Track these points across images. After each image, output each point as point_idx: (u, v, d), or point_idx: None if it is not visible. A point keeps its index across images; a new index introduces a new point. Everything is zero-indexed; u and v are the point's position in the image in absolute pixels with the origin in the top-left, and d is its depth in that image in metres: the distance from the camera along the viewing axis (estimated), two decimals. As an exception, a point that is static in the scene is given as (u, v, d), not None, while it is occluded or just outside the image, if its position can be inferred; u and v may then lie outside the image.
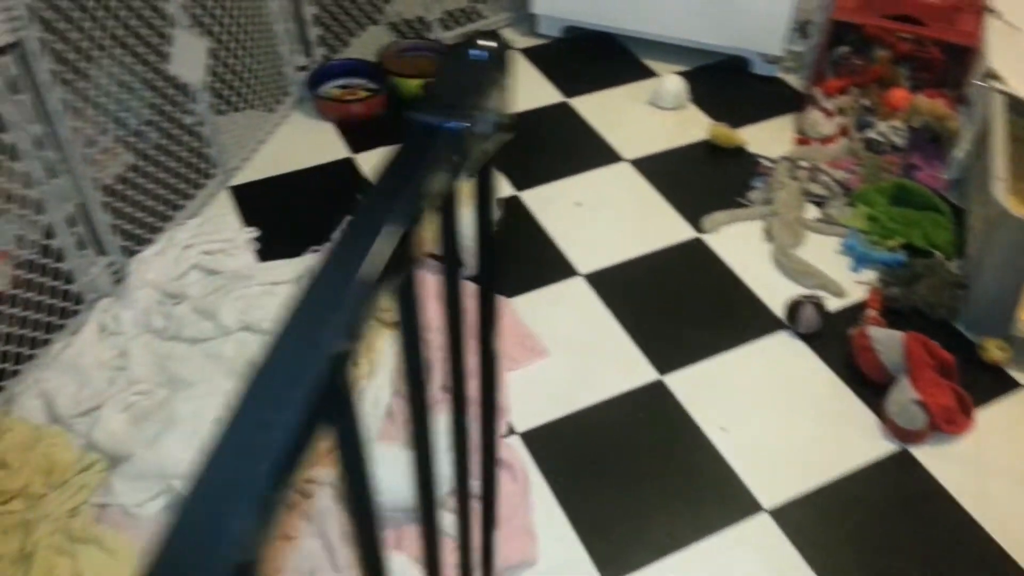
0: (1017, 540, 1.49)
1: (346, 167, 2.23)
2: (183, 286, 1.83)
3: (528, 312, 1.86)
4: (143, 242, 1.90)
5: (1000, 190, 1.70)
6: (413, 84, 2.39)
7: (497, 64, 0.55)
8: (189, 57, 1.85)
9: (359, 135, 2.32)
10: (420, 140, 0.51)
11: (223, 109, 2.09)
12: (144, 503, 1.47)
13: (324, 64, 2.40)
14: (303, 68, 2.36)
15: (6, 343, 1.59)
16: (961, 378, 1.70)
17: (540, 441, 1.62)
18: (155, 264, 1.86)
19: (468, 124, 0.53)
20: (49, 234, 1.63)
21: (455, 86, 0.53)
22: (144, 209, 1.88)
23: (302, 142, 2.29)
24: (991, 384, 1.75)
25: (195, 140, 2.00)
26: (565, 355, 1.77)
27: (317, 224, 2.02)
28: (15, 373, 1.63)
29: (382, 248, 0.44)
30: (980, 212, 1.87)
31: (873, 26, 2.25)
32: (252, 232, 2.00)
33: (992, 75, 1.87)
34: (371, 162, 2.24)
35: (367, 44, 2.53)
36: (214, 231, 1.98)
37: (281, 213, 2.08)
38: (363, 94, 2.38)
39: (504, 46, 0.57)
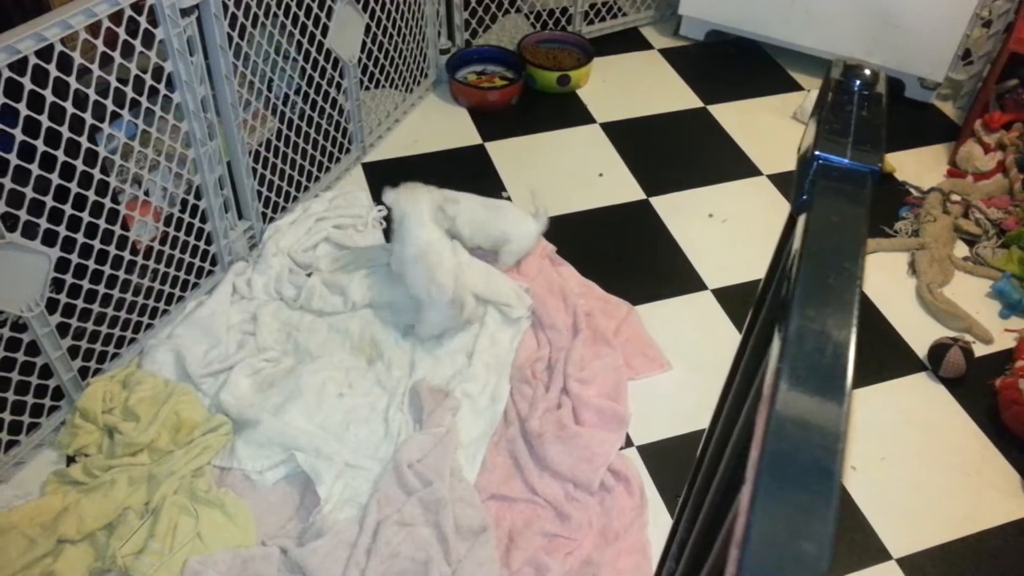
0: None
1: (477, 153, 2.22)
2: (314, 257, 1.86)
3: (651, 322, 1.80)
4: (279, 210, 1.94)
5: None
6: (550, 76, 2.35)
7: (878, 98, 0.51)
8: (346, 32, 1.87)
9: (492, 122, 2.30)
10: (842, 186, 0.46)
11: (366, 85, 2.11)
12: (265, 471, 1.49)
13: (465, 49, 2.39)
14: (445, 51, 2.36)
15: (145, 297, 1.64)
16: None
17: (658, 456, 1.57)
18: (289, 233, 1.89)
19: (878, 166, 0.48)
20: (197, 194, 1.67)
21: (857, 123, 0.49)
22: (284, 177, 1.92)
23: (436, 125, 2.29)
24: None
25: (337, 113, 2.02)
26: (687, 370, 1.72)
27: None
28: (149, 327, 1.68)
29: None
30: None
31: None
32: (382, 210, 2.01)
33: None
34: (502, 150, 2.22)
35: (507, 32, 2.51)
36: (346, 206, 2.00)
37: (410, 194, 2.08)
38: (499, 82, 2.36)
39: (878, 75, 0.52)
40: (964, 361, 1.71)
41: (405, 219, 1.66)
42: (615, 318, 1.80)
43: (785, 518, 0.32)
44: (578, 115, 2.35)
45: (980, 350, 1.78)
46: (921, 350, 1.77)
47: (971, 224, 2.03)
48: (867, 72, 0.53)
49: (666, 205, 2.09)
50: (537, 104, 2.37)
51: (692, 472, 0.75)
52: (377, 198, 2.06)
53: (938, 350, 1.74)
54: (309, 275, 1.81)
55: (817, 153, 0.47)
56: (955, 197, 2.08)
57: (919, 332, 1.81)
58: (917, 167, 2.21)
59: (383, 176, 2.13)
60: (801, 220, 0.47)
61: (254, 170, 1.80)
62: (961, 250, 2.00)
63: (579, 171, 2.18)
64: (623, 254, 1.96)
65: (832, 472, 0.34)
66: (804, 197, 0.47)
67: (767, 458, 0.33)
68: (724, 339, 1.78)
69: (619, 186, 2.14)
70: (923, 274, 1.92)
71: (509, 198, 2.06)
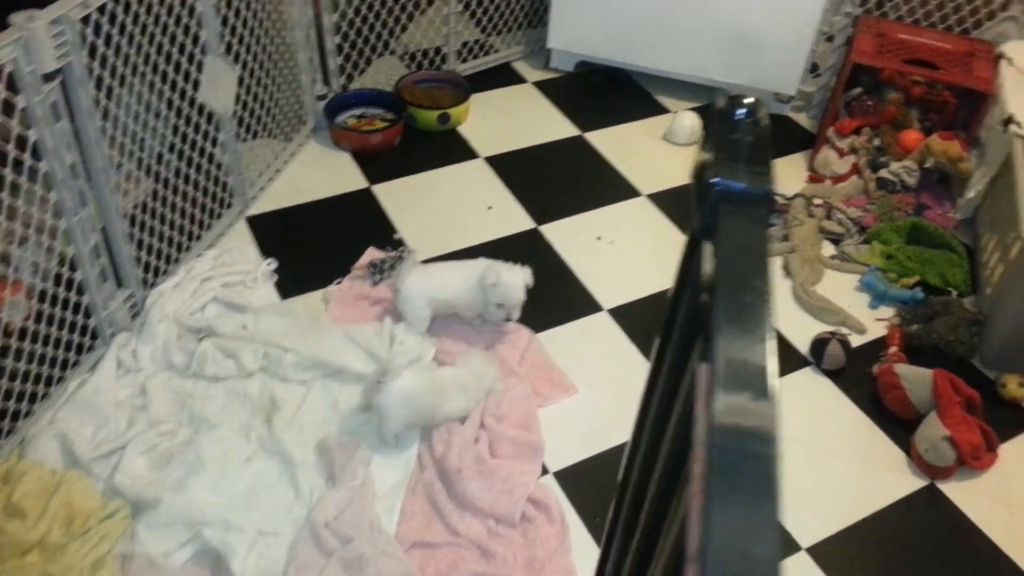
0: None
1: (364, 197, 2.21)
2: (203, 320, 1.78)
3: (554, 348, 1.84)
4: (161, 274, 1.85)
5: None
6: (430, 115, 2.38)
7: (761, 123, 0.54)
8: (219, 85, 1.82)
9: (376, 165, 2.29)
10: (743, 209, 0.49)
11: (243, 137, 2.06)
12: (171, 552, 1.41)
13: (342, 93, 2.38)
14: (322, 97, 2.34)
15: (20, 381, 1.52)
16: (984, 414, 1.73)
17: (574, 480, 1.59)
18: (174, 297, 1.81)
19: (771, 187, 0.51)
20: (71, 265, 1.57)
21: (746, 148, 0.52)
22: (163, 239, 1.83)
23: (319, 172, 2.26)
24: (1011, 419, 1.78)
25: (215, 168, 1.96)
26: (594, 391, 1.76)
27: (336, 255, 1.99)
28: (29, 413, 1.56)
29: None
30: (999, 253, 1.91)
31: (890, 70, 2.31)
32: (271, 264, 1.96)
33: (1012, 121, 1.92)
34: (390, 192, 2.21)
35: (382, 74, 2.52)
36: (233, 263, 1.93)
37: (299, 244, 2.04)
38: (380, 124, 2.36)
39: (759, 104, 0.56)
40: (843, 353, 1.84)
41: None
42: (518, 348, 1.82)
43: (736, 527, 0.34)
44: (462, 151, 2.39)
45: (856, 340, 1.92)
46: (803, 346, 1.89)
47: (834, 224, 2.20)
48: (749, 101, 0.58)
49: (556, 232, 2.15)
50: (420, 143, 2.39)
51: (618, 492, 0.78)
52: (264, 251, 2.00)
53: (818, 345, 1.86)
54: (201, 340, 1.73)
55: (716, 180, 0.50)
56: (817, 201, 2.25)
57: (799, 330, 1.93)
58: (780, 176, 2.37)
59: (269, 228, 2.08)
60: (708, 244, 0.50)
61: (131, 235, 1.71)
62: (828, 249, 2.16)
63: (468, 206, 2.20)
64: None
65: (773, 477, 0.36)
66: (707, 221, 0.51)
67: (713, 472, 0.35)
68: (625, 357, 1.84)
69: (509, 217, 2.18)
70: (796, 275, 2.06)
71: (401, 240, 2.06)
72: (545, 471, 1.60)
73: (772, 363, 0.41)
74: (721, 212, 0.49)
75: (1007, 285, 1.81)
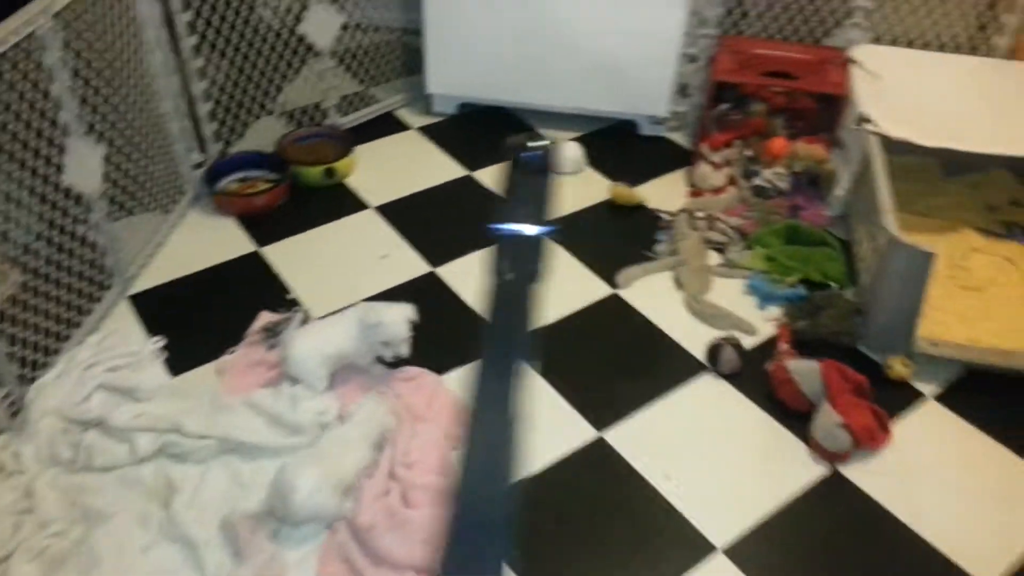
0: (946, 540, 1.58)
1: (253, 261, 2.17)
2: (88, 411, 1.70)
3: (464, 387, 1.84)
4: (41, 367, 1.77)
5: (890, 221, 1.84)
6: (315, 171, 2.37)
7: (549, 163, 0.56)
8: (85, 166, 1.77)
9: (264, 227, 2.27)
10: (516, 250, 0.50)
11: (117, 215, 2.00)
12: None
13: (220, 159, 2.35)
14: (199, 165, 2.31)
15: None
16: (873, 396, 1.81)
17: (492, 518, 1.59)
18: (56, 390, 1.73)
19: (553, 227, 0.53)
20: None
21: (525, 191, 0.53)
22: (39, 331, 1.76)
23: (203, 241, 2.22)
24: (900, 398, 1.87)
25: (89, 250, 1.90)
26: (504, 426, 1.76)
27: (227, 324, 1.95)
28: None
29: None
30: (869, 243, 2.02)
31: (751, 84, 2.43)
32: (158, 342, 1.90)
33: (865, 119, 2.05)
34: (280, 253, 2.19)
35: (262, 135, 2.50)
36: (117, 346, 1.86)
37: (187, 317, 1.99)
38: (264, 186, 2.34)
39: (551, 143, 0.58)
40: (737, 356, 1.90)
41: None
42: (425, 392, 1.81)
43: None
44: (351, 204, 2.39)
45: (750, 342, 1.99)
46: (701, 354, 1.95)
47: (717, 234, 2.28)
48: (540, 144, 0.60)
49: (453, 272, 2.16)
50: (308, 201, 2.38)
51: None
52: (150, 329, 1.94)
53: (714, 350, 1.92)
54: (87, 430, 1.66)
55: (497, 226, 0.52)
56: (700, 214, 2.33)
57: (695, 338, 1.99)
58: (663, 194, 2.45)
59: (154, 305, 2.02)
60: (492, 284, 0.51)
61: (1, 331, 1.64)
62: (715, 258, 2.24)
63: (362, 257, 2.20)
64: (421, 326, 1.98)
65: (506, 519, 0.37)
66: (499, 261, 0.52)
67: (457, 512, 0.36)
68: (532, 387, 1.85)
69: (404, 264, 2.18)
70: (687, 286, 2.12)
71: (294, 300, 2.03)
72: (461, 514, 1.59)
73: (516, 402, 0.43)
74: (501, 252, 0.51)
75: (879, 272, 1.92)
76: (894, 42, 2.51)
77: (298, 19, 2.40)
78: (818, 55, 2.46)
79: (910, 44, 2.52)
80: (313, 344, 1.73)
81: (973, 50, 2.50)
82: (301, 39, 2.43)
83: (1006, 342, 1.94)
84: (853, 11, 2.49)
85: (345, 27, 2.54)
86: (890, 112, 2.13)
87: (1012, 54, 2.44)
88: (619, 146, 2.67)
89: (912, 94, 2.24)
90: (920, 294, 1.81)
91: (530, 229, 0.52)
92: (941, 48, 2.52)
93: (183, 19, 2.11)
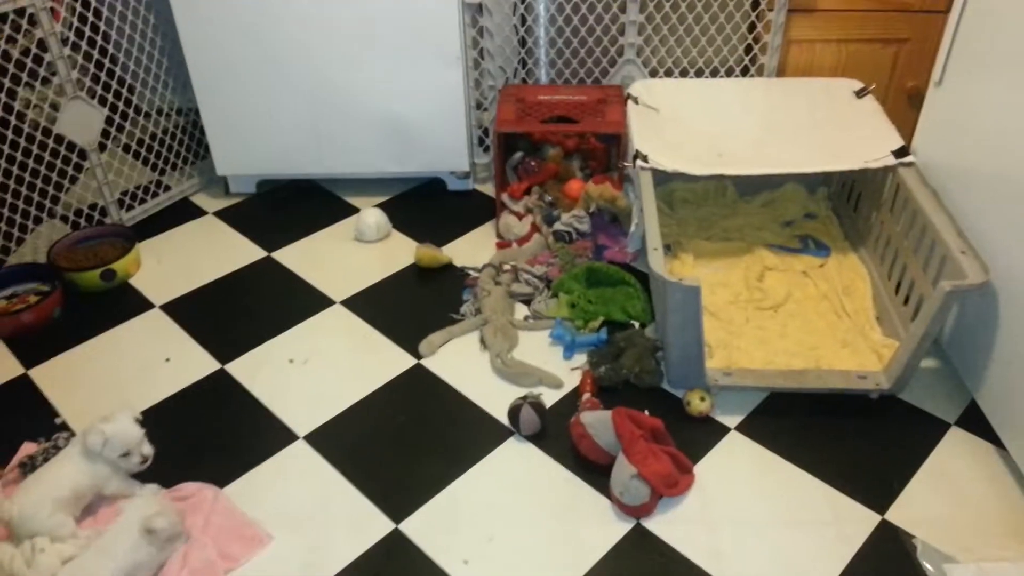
0: (746, 585, 1.54)
1: (18, 386, 2.00)
2: None
3: (248, 497, 1.72)
4: None
5: (656, 260, 1.83)
6: (91, 275, 2.23)
7: None
8: None
9: (35, 346, 2.10)
10: None
11: None
12: None
13: (-17, 277, 2.19)
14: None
15: None
16: (677, 436, 1.78)
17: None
18: None
19: None
20: None
21: None
22: None
23: (-36, 372, 2.04)
24: (704, 434, 1.84)
25: None
26: (292, 535, 1.64)
27: (-10, 461, 1.78)
28: None
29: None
30: (653, 279, 2.01)
31: (533, 132, 2.42)
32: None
33: (639, 155, 2.05)
34: (50, 373, 2.02)
35: (46, 241, 2.34)
36: None
37: (-55, 459, 1.81)
38: (33, 299, 2.18)
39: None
40: (536, 416, 1.84)
41: None
42: (201, 511, 1.68)
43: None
44: (134, 306, 2.25)
45: (556, 395, 1.94)
46: (505, 418, 1.88)
47: (523, 286, 2.24)
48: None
49: (243, 367, 2.04)
50: (86, 308, 2.23)
51: None
52: None
53: (514, 413, 1.86)
54: None
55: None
56: (506, 266, 2.29)
57: (500, 401, 1.93)
58: (472, 249, 2.41)
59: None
60: None
61: None
62: (523, 311, 2.20)
63: (143, 364, 2.06)
64: (200, 436, 1.86)
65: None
66: None
67: None
68: (325, 483, 1.75)
69: (189, 365, 2.05)
70: (492, 345, 2.07)
71: (64, 424, 1.88)
72: (241, 640, 1.47)
73: None
74: None
75: (661, 309, 1.90)
76: (669, 73, 2.55)
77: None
78: (598, 95, 2.48)
79: (684, 74, 2.56)
80: (42, 493, 1.58)
81: (745, 71, 2.56)
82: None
83: (798, 360, 1.95)
84: (623, 48, 2.51)
85: (125, 116, 2.42)
86: (666, 145, 2.14)
87: (780, 72, 2.51)
88: (429, 205, 2.62)
89: (687, 123, 2.27)
90: (698, 327, 1.80)
91: None
92: (714, 74, 2.57)
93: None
